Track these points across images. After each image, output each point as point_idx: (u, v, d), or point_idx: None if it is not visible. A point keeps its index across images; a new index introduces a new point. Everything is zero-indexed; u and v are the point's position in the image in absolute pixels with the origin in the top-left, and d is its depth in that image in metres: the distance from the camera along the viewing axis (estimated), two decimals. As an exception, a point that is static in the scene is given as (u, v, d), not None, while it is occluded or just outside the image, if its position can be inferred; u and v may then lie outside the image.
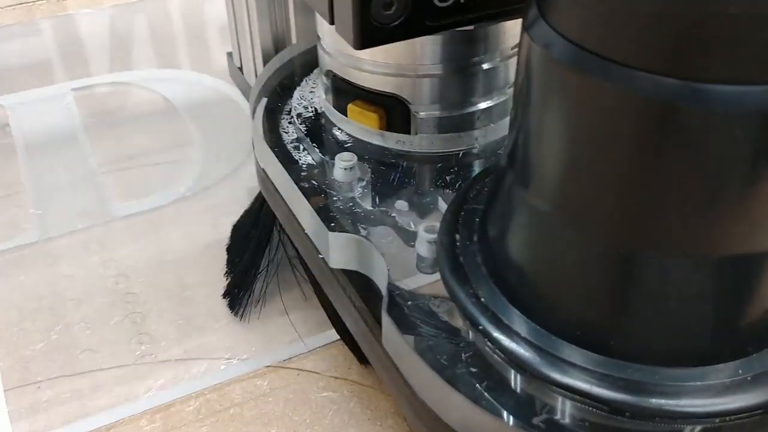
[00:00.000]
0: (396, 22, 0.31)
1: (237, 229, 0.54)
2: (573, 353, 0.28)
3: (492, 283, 0.30)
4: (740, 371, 0.27)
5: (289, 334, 0.48)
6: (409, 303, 0.31)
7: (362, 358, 0.45)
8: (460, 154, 0.40)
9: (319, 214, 0.35)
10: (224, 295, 0.50)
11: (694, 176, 0.23)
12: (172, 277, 0.53)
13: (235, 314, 0.49)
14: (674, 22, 0.21)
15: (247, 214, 0.53)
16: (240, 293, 0.50)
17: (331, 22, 0.33)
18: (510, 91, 0.40)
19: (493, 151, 0.41)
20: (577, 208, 0.26)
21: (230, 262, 0.52)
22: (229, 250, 0.53)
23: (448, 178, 0.39)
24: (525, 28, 0.27)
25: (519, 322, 0.29)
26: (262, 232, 0.51)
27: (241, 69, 0.58)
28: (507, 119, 0.41)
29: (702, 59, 0.21)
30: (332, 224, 0.35)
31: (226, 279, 0.51)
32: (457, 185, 0.38)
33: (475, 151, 0.40)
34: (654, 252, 0.25)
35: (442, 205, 0.37)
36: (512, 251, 0.30)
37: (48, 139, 0.67)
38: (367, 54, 0.38)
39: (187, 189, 0.60)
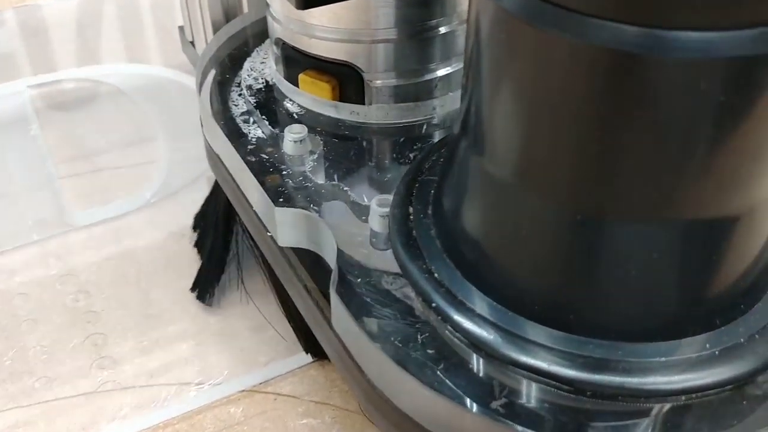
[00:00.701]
0: (340, -20, 0.29)
1: (202, 218, 0.51)
2: (532, 331, 0.26)
3: (447, 258, 0.28)
4: (708, 345, 0.25)
5: (265, 354, 0.44)
6: (360, 280, 0.29)
7: (311, 349, 0.43)
8: (418, 125, 0.38)
9: (266, 189, 0.33)
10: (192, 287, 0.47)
11: (655, 134, 0.21)
12: (137, 293, 0.49)
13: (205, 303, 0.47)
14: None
15: (209, 202, 0.51)
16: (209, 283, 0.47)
17: (273, -18, 0.31)
18: (469, 57, 0.38)
19: (452, 121, 0.39)
20: (533, 173, 0.25)
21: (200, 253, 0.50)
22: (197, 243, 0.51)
23: (404, 150, 0.37)
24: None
25: (475, 299, 0.27)
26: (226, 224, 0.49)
27: (193, 43, 0.55)
28: (467, 88, 0.39)
29: (663, 3, 0.19)
30: (280, 199, 0.33)
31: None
32: (413, 158, 0.36)
33: (434, 121, 0.38)
34: (614, 218, 0.23)
35: (398, 179, 0.35)
36: (467, 223, 0.28)
37: (0, 140, 0.62)
38: (318, 20, 0.36)
39: (152, 194, 0.56)
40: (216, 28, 0.50)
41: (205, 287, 0.47)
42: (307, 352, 0.43)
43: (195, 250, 0.50)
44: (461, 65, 0.38)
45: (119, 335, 0.46)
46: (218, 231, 0.49)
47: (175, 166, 0.59)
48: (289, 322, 0.44)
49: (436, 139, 0.38)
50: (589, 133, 0.22)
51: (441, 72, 0.38)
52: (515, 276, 0.26)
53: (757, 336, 0.26)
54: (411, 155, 0.36)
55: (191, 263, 0.49)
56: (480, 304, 0.27)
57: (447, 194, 0.30)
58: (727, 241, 0.24)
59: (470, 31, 0.26)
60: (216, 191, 0.49)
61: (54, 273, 0.50)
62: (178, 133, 0.62)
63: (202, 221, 0.51)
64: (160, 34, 0.76)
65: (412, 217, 0.30)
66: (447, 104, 0.38)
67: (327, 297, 0.32)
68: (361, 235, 0.32)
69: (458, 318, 0.26)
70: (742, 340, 0.25)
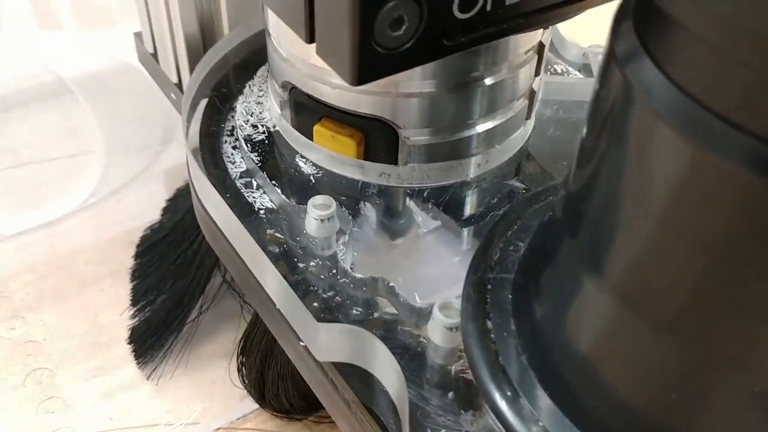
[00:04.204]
0: (406, 46, 0.23)
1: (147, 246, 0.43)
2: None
3: (548, 397, 0.23)
4: None
5: (240, 386, 0.39)
6: (435, 423, 0.24)
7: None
8: (459, 186, 0.32)
9: (298, 294, 0.27)
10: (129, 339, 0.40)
11: None
12: (83, 316, 0.42)
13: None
14: None
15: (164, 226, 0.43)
16: (151, 345, 0.40)
17: (310, 41, 0.24)
18: (517, 104, 0.32)
19: (495, 177, 0.33)
20: (662, 313, 0.19)
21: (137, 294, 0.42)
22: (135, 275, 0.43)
23: (449, 218, 0.31)
24: (617, 62, 0.19)
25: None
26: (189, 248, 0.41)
27: (155, 56, 0.47)
28: (512, 138, 0.33)
29: None
30: (315, 305, 0.27)
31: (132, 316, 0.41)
32: (463, 228, 0.30)
33: (470, 180, 0.32)
34: (753, 378, 0.19)
35: (452, 268, 0.29)
36: (576, 355, 0.22)
37: None
38: (342, 67, 0.29)
39: (90, 193, 0.48)
40: (189, 40, 0.42)
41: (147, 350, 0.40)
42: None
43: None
44: (508, 115, 0.32)
45: (67, 369, 0.39)
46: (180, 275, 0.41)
47: (115, 157, 0.50)
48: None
49: (481, 203, 0.32)
50: (726, 272, 0.17)
51: (484, 126, 0.31)
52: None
53: None
54: (458, 227, 0.30)
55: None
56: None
57: (540, 308, 0.24)
58: None
59: (598, 112, 0.20)
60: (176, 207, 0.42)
61: (-20, 295, 0.43)
62: (115, 117, 0.53)
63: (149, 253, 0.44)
64: None
65: (492, 335, 0.25)
66: (492, 160, 0.33)
67: (378, 422, 0.26)
68: (418, 348, 0.26)
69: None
70: None
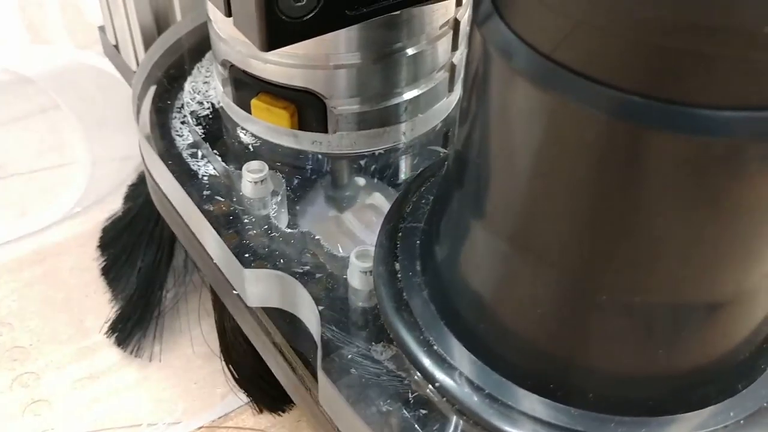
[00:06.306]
0: (309, 15, 0.26)
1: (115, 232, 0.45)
2: (546, 409, 0.24)
3: (445, 326, 0.26)
4: (732, 414, 0.24)
5: (221, 384, 0.40)
6: (348, 354, 0.26)
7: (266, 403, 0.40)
8: (385, 153, 0.35)
9: (229, 245, 0.30)
10: (109, 329, 0.42)
11: (669, 213, 0.19)
12: (68, 322, 0.43)
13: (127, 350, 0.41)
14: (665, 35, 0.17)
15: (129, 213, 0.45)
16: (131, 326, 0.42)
17: (228, 15, 0.27)
18: (439, 75, 0.35)
19: (422, 145, 0.36)
20: (538, 245, 0.22)
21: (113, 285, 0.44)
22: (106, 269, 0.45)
23: (376, 181, 0.34)
24: (477, 24, 0.22)
25: (486, 378, 0.24)
26: (158, 237, 0.44)
27: (117, 47, 0.50)
28: (436, 107, 0.36)
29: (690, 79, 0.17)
30: (246, 255, 0.30)
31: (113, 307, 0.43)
32: (388, 190, 0.33)
33: (401, 147, 0.35)
34: (630, 298, 0.21)
35: (373, 220, 0.32)
36: (468, 288, 0.25)
37: None
38: (271, 43, 0.32)
39: (75, 203, 0.49)
40: (144, 31, 0.45)
41: (126, 330, 0.42)
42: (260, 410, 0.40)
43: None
44: (431, 85, 0.35)
45: (53, 373, 0.41)
46: (146, 256, 0.43)
47: (100, 166, 0.51)
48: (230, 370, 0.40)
49: (408, 168, 0.35)
50: (590, 206, 0.20)
51: (409, 95, 0.34)
52: (526, 352, 0.24)
53: (780, 397, 0.24)
54: (383, 189, 0.33)
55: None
56: (491, 383, 0.24)
57: (440, 250, 0.27)
58: (739, 310, 0.22)
59: (469, 73, 0.23)
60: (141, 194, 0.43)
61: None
62: (100, 127, 0.54)
63: (115, 243, 0.46)
64: (66, 8, 0.67)
65: (399, 275, 0.27)
66: (416, 128, 0.35)
67: (304, 360, 0.29)
68: (339, 292, 0.29)
69: (468, 402, 0.24)
70: (766, 403, 0.24)
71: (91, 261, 0.46)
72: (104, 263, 0.46)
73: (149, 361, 0.42)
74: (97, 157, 0.53)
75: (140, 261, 0.43)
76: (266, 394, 0.39)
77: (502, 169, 0.22)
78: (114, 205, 0.49)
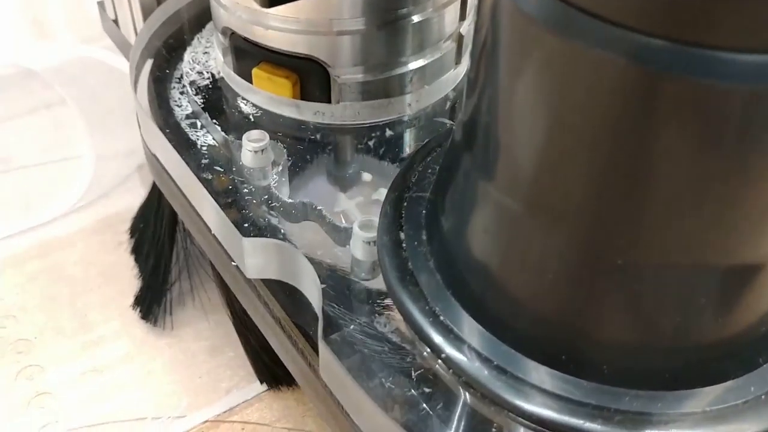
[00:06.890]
0: (313, -30, 0.24)
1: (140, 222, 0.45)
2: (561, 385, 0.23)
3: (452, 297, 0.25)
4: (752, 388, 0.23)
5: (227, 379, 0.40)
6: (351, 325, 0.25)
7: (268, 377, 0.39)
8: (390, 125, 0.34)
9: (228, 214, 0.29)
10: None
11: (688, 167, 0.18)
12: (72, 316, 0.43)
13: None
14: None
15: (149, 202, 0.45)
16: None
17: (228, -28, 0.26)
18: (446, 45, 0.34)
19: (428, 117, 0.35)
20: (551, 203, 0.21)
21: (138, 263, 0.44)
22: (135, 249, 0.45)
23: (380, 154, 0.33)
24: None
25: (495, 349, 0.23)
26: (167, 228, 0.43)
27: (116, 22, 0.49)
28: (443, 79, 0.35)
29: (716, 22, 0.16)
30: (245, 225, 0.29)
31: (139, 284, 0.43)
32: (392, 163, 0.32)
33: (406, 119, 0.34)
34: (647, 261, 0.20)
35: (378, 192, 0.31)
36: (476, 255, 0.24)
37: None
38: (274, 9, 0.31)
39: (79, 197, 0.49)
40: (144, 4, 0.44)
41: (151, 303, 0.42)
42: (262, 383, 0.39)
43: (133, 259, 0.45)
44: (437, 55, 0.34)
45: (57, 366, 0.40)
46: (161, 236, 0.43)
47: (104, 161, 0.52)
48: (246, 351, 0.40)
49: (413, 140, 0.34)
50: (606, 158, 0.19)
51: (414, 64, 0.33)
52: (537, 322, 0.23)
53: (802, 373, 0.23)
54: (389, 161, 0.32)
55: (131, 276, 0.44)
56: (500, 354, 0.23)
57: (446, 218, 0.26)
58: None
59: (480, 26, 0.22)
60: (156, 188, 0.43)
61: (-28, 296, 0.43)
62: (105, 122, 0.54)
63: (141, 224, 0.46)
64: (70, 2, 0.67)
65: (404, 245, 0.26)
66: (422, 99, 0.34)
67: (304, 333, 0.28)
68: (342, 265, 0.28)
69: (476, 374, 0.23)
70: (786, 379, 0.23)
71: (95, 255, 0.46)
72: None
73: (153, 356, 0.41)
74: (102, 152, 0.52)
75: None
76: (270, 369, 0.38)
77: (515, 125, 0.21)
78: (117, 199, 0.48)
